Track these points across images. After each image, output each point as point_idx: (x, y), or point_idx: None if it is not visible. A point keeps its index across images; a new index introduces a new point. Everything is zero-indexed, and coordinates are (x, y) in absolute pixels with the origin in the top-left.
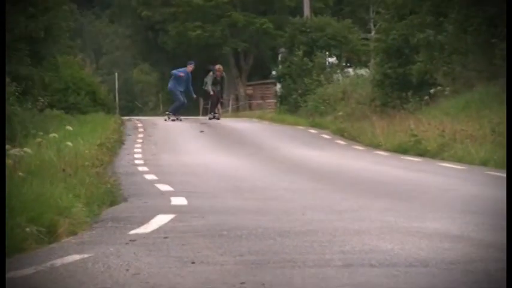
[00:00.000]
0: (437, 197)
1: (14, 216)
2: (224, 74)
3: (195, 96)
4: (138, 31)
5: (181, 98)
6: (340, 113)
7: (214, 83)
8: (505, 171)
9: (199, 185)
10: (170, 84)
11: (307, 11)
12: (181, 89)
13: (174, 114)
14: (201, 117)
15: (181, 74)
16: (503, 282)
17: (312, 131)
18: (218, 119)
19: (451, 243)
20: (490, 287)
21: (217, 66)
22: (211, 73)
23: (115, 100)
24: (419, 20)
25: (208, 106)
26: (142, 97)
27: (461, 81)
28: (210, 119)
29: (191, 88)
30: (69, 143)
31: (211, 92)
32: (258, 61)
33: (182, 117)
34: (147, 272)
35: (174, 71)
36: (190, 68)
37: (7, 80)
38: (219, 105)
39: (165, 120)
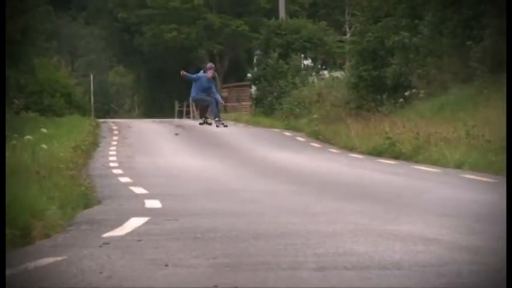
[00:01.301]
0: (412, 200)
1: None
2: (216, 74)
3: (223, 102)
4: (113, 33)
5: (209, 97)
6: (315, 116)
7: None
8: (480, 173)
9: (173, 188)
10: (192, 94)
11: (282, 13)
12: (203, 93)
13: (219, 118)
14: (175, 120)
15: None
16: (476, 284)
17: (287, 133)
18: (210, 124)
19: (425, 246)
20: None
21: (209, 65)
22: (201, 72)
23: (90, 102)
24: (395, 22)
25: (197, 110)
26: (118, 99)
27: (436, 84)
28: (200, 124)
29: (217, 95)
30: (44, 146)
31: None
32: (234, 63)
33: (157, 119)
34: (121, 274)
35: (190, 75)
36: (210, 74)
37: None
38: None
39: (217, 126)
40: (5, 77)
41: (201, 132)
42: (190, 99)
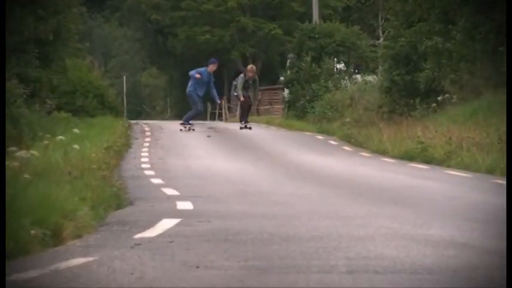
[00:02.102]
0: (443, 205)
1: (19, 218)
2: (257, 76)
3: (219, 101)
4: (147, 35)
5: (199, 105)
6: (348, 119)
7: (245, 87)
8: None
9: (205, 190)
10: (189, 88)
11: (316, 16)
12: (201, 94)
13: (188, 123)
14: (207, 122)
15: (198, 76)
16: None
17: (319, 137)
18: (250, 128)
19: (456, 251)
20: None
21: (249, 67)
22: (241, 75)
23: (123, 103)
24: (428, 27)
25: (238, 113)
26: (150, 101)
27: (468, 89)
28: (241, 128)
29: (214, 91)
30: (76, 146)
31: (241, 98)
32: (266, 66)
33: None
34: (152, 276)
35: (191, 72)
36: (212, 67)
37: (15, 82)
38: (238, 111)
39: (181, 130)
40: (5, 76)
41: (233, 135)
42: (187, 91)
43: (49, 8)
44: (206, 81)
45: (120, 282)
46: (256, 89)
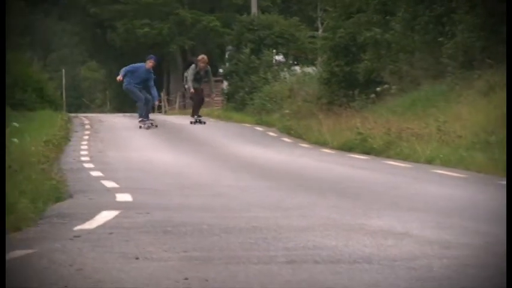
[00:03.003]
0: (383, 195)
1: None
2: (209, 67)
3: (157, 101)
4: (86, 28)
5: (141, 95)
6: (287, 111)
7: (196, 78)
8: (451, 169)
9: (144, 182)
10: (125, 84)
11: (254, 9)
12: (139, 85)
13: (147, 118)
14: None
15: (120, 78)
16: (445, 279)
17: (259, 128)
18: (204, 123)
19: (395, 240)
20: (433, 283)
21: (201, 57)
22: (193, 66)
23: (62, 97)
24: (367, 18)
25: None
26: (90, 94)
27: (407, 80)
28: (192, 123)
29: (155, 91)
30: (15, 140)
31: (192, 90)
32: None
33: (128, 114)
34: (91, 267)
35: (125, 68)
36: (150, 64)
37: None
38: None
39: (140, 127)
40: (5, 78)
41: (172, 127)
42: (123, 87)
43: None
44: (144, 78)
45: (61, 274)
46: (210, 80)
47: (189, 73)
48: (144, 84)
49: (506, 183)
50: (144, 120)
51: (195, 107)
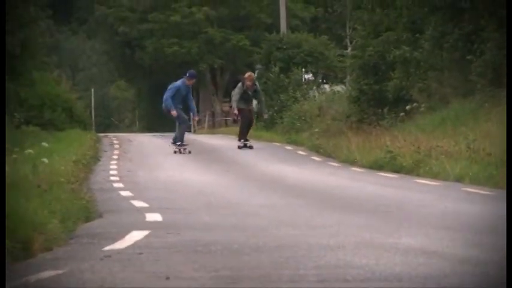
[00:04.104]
0: (413, 213)
1: None
2: (257, 84)
3: (196, 117)
4: (114, 47)
5: (185, 116)
6: (316, 130)
7: (243, 98)
8: (480, 187)
9: (174, 201)
10: (166, 103)
11: (283, 27)
12: (181, 106)
13: (182, 144)
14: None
15: (174, 113)
16: None
17: (288, 147)
18: (251, 147)
19: (426, 259)
20: None
21: (247, 75)
22: (239, 85)
23: (91, 117)
24: (395, 36)
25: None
26: (119, 113)
27: (436, 98)
28: (239, 147)
29: (193, 105)
30: (45, 160)
31: (235, 111)
32: (235, 78)
33: (158, 134)
34: (122, 287)
35: (167, 95)
36: (190, 82)
37: None
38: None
39: (175, 152)
40: (5, 86)
41: (202, 146)
42: (163, 106)
43: (16, 21)
44: (184, 95)
45: None
46: (260, 100)
47: (235, 92)
48: (184, 103)
49: (507, 188)
50: (183, 144)
51: (242, 129)
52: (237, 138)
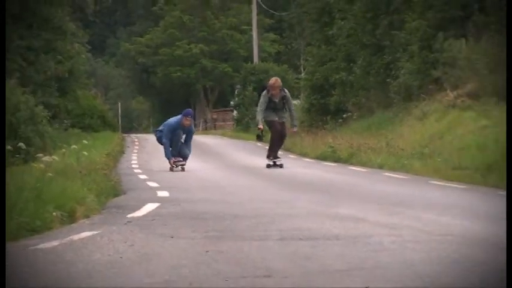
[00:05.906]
0: (348, 191)
1: (44, 205)
2: (286, 91)
3: (185, 162)
4: (135, 73)
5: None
6: None
7: (270, 108)
8: (396, 172)
9: (178, 183)
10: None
11: (256, 59)
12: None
13: (175, 158)
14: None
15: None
16: (392, 251)
17: (259, 144)
18: (281, 166)
19: (356, 224)
20: (383, 253)
21: (273, 80)
22: (264, 92)
23: (118, 122)
24: (336, 65)
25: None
26: (138, 120)
27: (365, 109)
28: (269, 166)
29: (189, 146)
30: (85, 153)
31: (260, 125)
32: (221, 94)
33: None
34: (140, 244)
35: (165, 134)
36: (187, 122)
37: (41, 107)
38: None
39: (172, 169)
40: (5, 86)
41: (198, 144)
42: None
43: (65, 53)
44: (182, 135)
45: (117, 248)
46: (290, 110)
47: (260, 102)
48: (178, 134)
49: (507, 188)
50: (179, 159)
51: (272, 145)
52: (266, 155)
